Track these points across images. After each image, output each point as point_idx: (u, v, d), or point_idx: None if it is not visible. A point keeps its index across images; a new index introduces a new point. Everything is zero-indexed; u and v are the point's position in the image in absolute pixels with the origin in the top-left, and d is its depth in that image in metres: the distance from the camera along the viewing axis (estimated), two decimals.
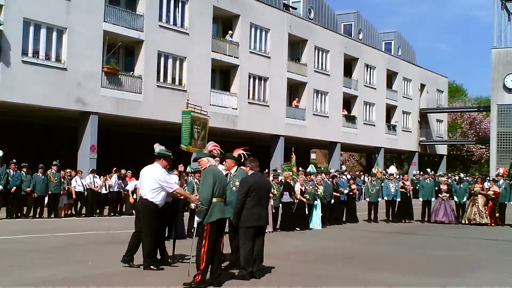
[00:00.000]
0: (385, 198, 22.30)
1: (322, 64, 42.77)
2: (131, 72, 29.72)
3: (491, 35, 50.16)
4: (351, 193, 21.81)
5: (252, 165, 10.56)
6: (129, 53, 30.64)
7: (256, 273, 9.86)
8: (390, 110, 52.28)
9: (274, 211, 17.68)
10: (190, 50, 31.96)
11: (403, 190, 22.31)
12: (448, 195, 22.47)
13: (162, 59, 30.77)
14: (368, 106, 48.35)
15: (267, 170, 24.51)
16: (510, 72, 48.13)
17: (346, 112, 45.70)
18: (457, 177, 32.71)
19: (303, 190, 18.45)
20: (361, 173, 38.73)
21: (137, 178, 12.93)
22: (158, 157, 10.74)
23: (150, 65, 29.91)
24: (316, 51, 42.11)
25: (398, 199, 22.14)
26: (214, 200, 9.22)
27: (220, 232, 9.42)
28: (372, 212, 22.08)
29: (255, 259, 9.91)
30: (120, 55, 30.52)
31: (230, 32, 35.36)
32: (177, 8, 31.61)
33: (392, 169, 29.04)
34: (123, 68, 30.25)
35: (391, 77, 52.26)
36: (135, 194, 16.87)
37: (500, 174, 23.59)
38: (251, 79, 36.32)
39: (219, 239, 9.40)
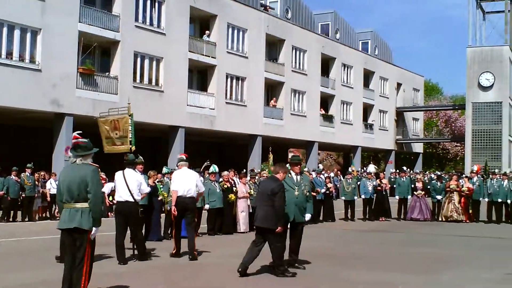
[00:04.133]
0: (362, 196, 22.42)
1: (299, 63, 42.89)
2: (107, 73, 29.57)
3: (466, 34, 50.71)
4: (328, 192, 21.89)
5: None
6: (105, 53, 30.47)
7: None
8: (367, 109, 52.57)
9: (251, 210, 17.66)
10: (167, 50, 31.87)
11: (380, 188, 22.43)
12: (423, 192, 22.67)
13: (139, 60, 30.65)
14: (345, 105, 48.57)
15: (244, 170, 24.59)
16: (485, 70, 48.65)
17: (323, 111, 45.86)
18: (433, 175, 33.05)
19: None
20: (338, 172, 38.81)
21: (112, 180, 12.92)
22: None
23: (126, 66, 29.77)
24: (294, 50, 42.22)
25: (374, 197, 22.28)
26: None
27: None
28: (349, 210, 22.18)
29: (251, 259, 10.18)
30: (95, 56, 30.30)
31: (207, 32, 35.31)
32: (153, 8, 31.50)
33: (372, 168, 29.24)
34: (99, 69, 30.08)
35: (368, 76, 52.55)
36: (111, 196, 16.74)
37: (475, 171, 23.86)
38: (229, 79, 36.31)
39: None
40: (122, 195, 11.51)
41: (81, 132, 10.31)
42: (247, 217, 17.44)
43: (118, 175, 11.72)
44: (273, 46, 41.21)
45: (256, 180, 18.67)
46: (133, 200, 11.47)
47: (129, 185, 11.44)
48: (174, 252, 12.11)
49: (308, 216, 11.00)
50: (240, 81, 37.18)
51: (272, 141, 37.87)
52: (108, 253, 11.86)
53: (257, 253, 10.25)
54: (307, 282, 9.96)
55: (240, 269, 10.07)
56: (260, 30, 38.56)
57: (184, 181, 12.07)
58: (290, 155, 13.15)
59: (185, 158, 12.70)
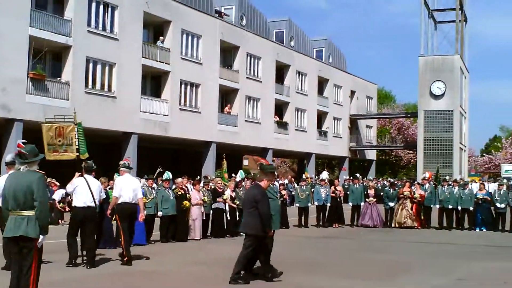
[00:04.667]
0: (316, 203, 22.45)
1: (254, 70, 42.92)
2: (58, 78, 29.04)
3: (419, 43, 51.53)
4: (282, 199, 21.82)
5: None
6: (56, 58, 29.91)
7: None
8: (321, 116, 52.90)
9: (204, 217, 17.54)
10: (120, 56, 31.49)
11: (334, 195, 22.51)
12: (375, 199, 22.85)
13: (91, 65, 30.20)
14: (299, 112, 48.78)
15: (198, 177, 24.39)
16: (437, 79, 49.43)
17: (278, 118, 45.98)
18: (386, 182, 33.40)
19: (234, 196, 18.36)
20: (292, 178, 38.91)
21: (62, 187, 12.80)
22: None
23: (78, 71, 29.30)
24: (248, 57, 42.23)
25: (328, 204, 22.32)
26: None
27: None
28: (303, 217, 22.18)
29: None
30: (47, 61, 29.72)
31: (161, 38, 35.06)
32: (106, 14, 31.10)
33: (325, 175, 29.33)
34: (50, 74, 29.52)
35: (322, 83, 52.91)
36: (61, 203, 16.42)
37: (426, 178, 24.16)
38: (183, 86, 36.09)
39: None
40: (86, 201, 11.51)
41: (25, 141, 10.13)
42: (200, 224, 17.28)
43: (80, 181, 11.70)
44: (227, 53, 41.16)
45: (208, 187, 18.52)
46: (95, 206, 11.64)
47: (93, 191, 11.57)
48: (125, 260, 11.97)
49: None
50: (194, 88, 36.98)
51: (226, 148, 37.77)
52: (56, 261, 11.60)
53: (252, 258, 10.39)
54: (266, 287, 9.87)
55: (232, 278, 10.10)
56: (214, 36, 38.46)
57: (130, 188, 12.22)
58: (263, 164, 13.25)
59: (127, 164, 12.82)
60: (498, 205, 21.01)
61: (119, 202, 12.14)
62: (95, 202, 11.61)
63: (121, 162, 13.11)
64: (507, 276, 11.58)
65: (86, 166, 11.96)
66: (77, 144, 12.16)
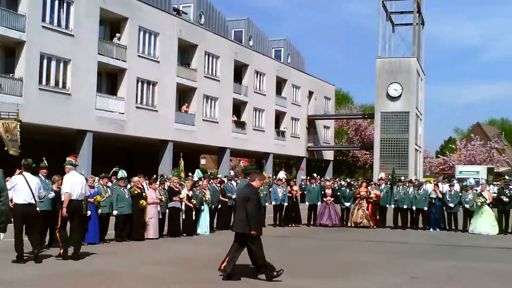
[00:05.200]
0: (273, 202, 22.43)
1: (212, 69, 42.74)
2: (11, 74, 28.39)
3: (377, 45, 52.05)
4: None
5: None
6: (10, 54, 29.29)
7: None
8: (279, 116, 53.02)
9: (161, 217, 17.36)
10: (76, 52, 30.98)
11: (290, 195, 22.52)
12: (332, 199, 22.96)
13: (45, 61, 29.64)
14: (257, 112, 48.79)
15: (155, 176, 24.13)
16: (393, 81, 50.02)
17: (235, 118, 45.91)
18: (343, 182, 33.62)
19: (190, 195, 18.21)
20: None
21: None
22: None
23: (32, 67, 28.72)
24: (207, 56, 42.04)
25: (286, 204, 22.31)
26: None
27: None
28: None
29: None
30: None
31: (118, 35, 34.64)
32: (61, 9, 30.55)
33: (282, 174, 29.32)
34: (3, 69, 28.94)
35: (280, 83, 53.02)
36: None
37: (382, 178, 24.39)
38: (139, 83, 35.70)
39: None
40: (26, 198, 11.62)
41: None
42: (157, 224, 17.09)
43: (19, 178, 11.77)
44: (185, 51, 40.87)
45: (164, 186, 18.38)
46: (34, 203, 11.76)
47: (32, 188, 11.66)
48: (61, 253, 12.21)
49: None
50: (151, 86, 36.63)
51: (183, 147, 37.59)
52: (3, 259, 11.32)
53: (236, 257, 10.43)
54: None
55: (225, 275, 10.29)
56: (172, 34, 38.16)
57: (77, 185, 12.45)
58: (242, 164, 13.07)
59: (74, 162, 12.89)
60: (450, 205, 21.31)
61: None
62: (34, 199, 11.71)
63: (67, 159, 12.98)
64: (459, 275, 11.73)
65: (26, 164, 11.98)
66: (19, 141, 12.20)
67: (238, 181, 22.97)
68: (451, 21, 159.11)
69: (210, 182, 19.92)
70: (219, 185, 20.80)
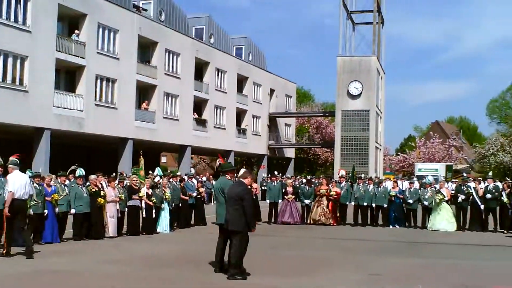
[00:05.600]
0: None
1: (173, 67, 42.44)
2: None
3: (337, 44, 52.31)
4: (200, 196, 21.61)
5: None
6: None
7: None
8: (240, 114, 52.95)
9: (120, 215, 17.14)
10: (33, 49, 30.42)
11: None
12: (293, 196, 22.98)
13: (1, 58, 29.06)
14: (218, 110, 48.64)
15: (114, 174, 23.81)
16: (354, 79, 50.36)
17: (196, 116, 45.69)
18: (304, 180, 33.67)
19: (150, 193, 18.01)
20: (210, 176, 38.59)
21: None
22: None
23: None
24: (167, 53, 41.71)
25: None
26: None
27: None
28: None
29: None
30: None
31: (76, 31, 34.09)
32: (18, 5, 29.97)
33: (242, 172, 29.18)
34: None
35: (241, 81, 52.97)
36: None
37: (343, 176, 24.51)
38: (99, 81, 35.22)
39: None
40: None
41: None
42: (116, 222, 16.86)
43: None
44: (145, 48, 40.43)
45: (123, 184, 18.15)
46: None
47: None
48: (4, 252, 12.15)
49: None
50: (110, 83, 36.17)
51: (144, 144, 37.28)
52: None
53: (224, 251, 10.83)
54: (174, 286, 9.74)
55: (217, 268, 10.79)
56: (132, 31, 37.75)
57: (23, 184, 12.45)
58: (218, 162, 13.09)
59: (18, 162, 12.77)
60: (409, 201, 21.52)
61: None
62: None
63: (10, 159, 12.87)
64: (418, 271, 11.83)
65: None
66: None
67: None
68: (410, 20, 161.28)
69: (170, 180, 19.76)
70: (179, 183, 20.63)
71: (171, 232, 18.68)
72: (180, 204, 19.87)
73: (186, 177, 22.74)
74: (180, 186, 20.30)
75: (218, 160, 12.30)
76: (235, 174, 11.57)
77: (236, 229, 10.41)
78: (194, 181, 22.85)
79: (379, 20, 53.91)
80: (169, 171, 23.53)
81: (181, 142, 43.31)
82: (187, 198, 20.37)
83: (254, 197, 22.57)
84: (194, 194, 21.03)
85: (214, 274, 10.83)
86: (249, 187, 10.91)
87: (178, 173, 24.87)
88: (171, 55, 42.15)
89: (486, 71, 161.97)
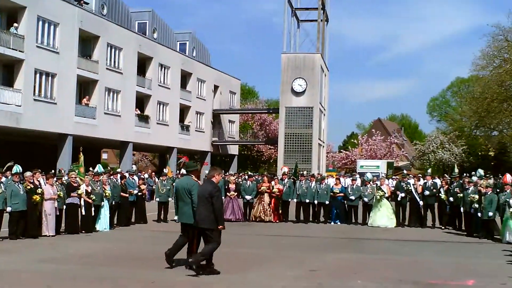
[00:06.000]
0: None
1: (114, 61, 41.79)
2: None
3: (282, 41, 52.45)
4: (141, 193, 21.32)
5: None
6: None
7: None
8: (184, 110, 52.58)
9: (58, 213, 16.76)
10: None
11: None
12: (236, 193, 22.93)
13: None
14: (161, 106, 48.17)
15: (53, 171, 23.31)
16: (298, 76, 50.59)
17: (139, 112, 45.15)
18: (247, 176, 33.67)
19: (90, 191, 17.66)
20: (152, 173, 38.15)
21: None
22: None
23: None
24: (109, 48, 41.05)
25: None
26: None
27: None
28: (162, 212, 21.81)
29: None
30: None
31: (15, 24, 33.17)
32: None
33: (184, 170, 29.07)
34: None
35: (185, 77, 52.59)
36: None
37: (285, 173, 24.58)
38: (38, 75, 34.38)
39: None
40: None
41: None
42: (54, 220, 16.47)
43: None
44: (87, 43, 39.65)
45: (62, 181, 17.75)
46: None
47: None
48: None
49: None
50: (50, 78, 35.35)
51: (84, 141, 36.58)
52: None
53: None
54: (113, 285, 9.62)
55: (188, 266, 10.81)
56: (73, 25, 36.96)
57: None
58: (181, 161, 12.96)
59: None
60: (351, 198, 21.73)
61: None
62: None
63: None
64: (357, 267, 11.97)
65: None
66: None
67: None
68: (354, 19, 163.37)
69: (110, 177, 19.42)
70: (120, 180, 20.30)
71: (111, 230, 18.40)
72: (121, 202, 19.55)
73: (127, 174, 22.36)
74: (120, 183, 19.98)
75: (182, 160, 12.41)
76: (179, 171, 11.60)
77: (208, 227, 10.58)
78: (136, 178, 22.50)
79: (324, 18, 54.33)
80: (109, 168, 23.09)
81: (123, 139, 42.72)
82: (127, 195, 20.06)
83: None
84: (135, 192, 20.73)
85: (155, 272, 10.74)
86: (218, 185, 11.02)
87: (119, 170, 24.50)
88: (113, 49, 41.49)
89: (427, 70, 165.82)
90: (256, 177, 28.79)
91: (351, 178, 25.03)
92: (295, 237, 17.66)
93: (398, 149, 72.43)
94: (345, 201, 22.11)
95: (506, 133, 57.35)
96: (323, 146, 56.42)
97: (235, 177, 29.51)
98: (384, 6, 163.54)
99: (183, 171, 24.07)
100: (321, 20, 53.14)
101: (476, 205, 17.69)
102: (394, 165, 57.81)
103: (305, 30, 56.65)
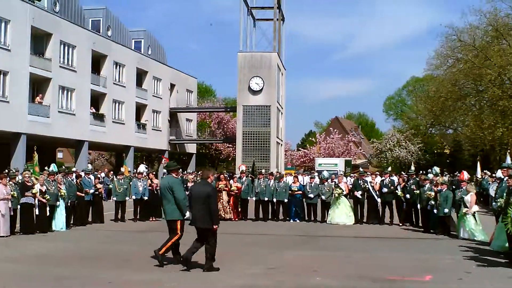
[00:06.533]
0: (134, 197, 21.86)
1: (68, 59, 41.09)
2: None
3: (238, 39, 52.33)
4: (97, 192, 20.98)
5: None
6: None
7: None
8: (140, 109, 52.08)
9: (12, 213, 16.36)
10: None
11: (151, 188, 22.09)
12: None
13: None
14: (117, 104, 47.60)
15: (6, 171, 22.73)
16: (255, 75, 50.57)
17: (94, 110, 44.51)
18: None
19: (44, 190, 17.27)
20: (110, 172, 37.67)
21: None
22: None
23: None
24: (62, 45, 40.33)
25: (146, 198, 21.83)
26: None
27: None
28: (120, 211, 21.51)
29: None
30: None
31: None
32: None
33: (142, 168, 28.75)
34: None
35: (141, 75, 52.08)
36: None
37: (244, 171, 24.50)
38: None
39: None
40: None
41: None
42: (8, 220, 16.09)
43: None
44: (39, 40, 38.85)
45: (15, 181, 17.34)
46: None
47: None
48: None
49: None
50: (2, 76, 34.59)
51: (38, 140, 35.91)
52: None
53: (196, 249, 11.07)
54: (70, 285, 9.47)
55: (181, 262, 11.13)
56: (24, 22, 36.17)
57: None
58: (164, 161, 12.78)
59: None
60: (310, 196, 21.79)
61: None
62: None
63: None
64: (316, 264, 11.97)
65: None
66: None
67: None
68: (310, 18, 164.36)
69: (65, 177, 19.05)
70: (75, 179, 19.92)
71: (67, 230, 18.09)
72: (77, 201, 19.20)
73: (83, 173, 21.98)
74: (76, 183, 19.63)
75: (163, 160, 12.75)
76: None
77: (207, 227, 10.89)
78: (92, 177, 22.11)
79: (280, 17, 54.44)
80: (64, 167, 22.64)
81: (78, 137, 42.06)
82: (83, 195, 19.71)
83: (156, 192, 22.26)
84: (91, 191, 20.39)
85: (112, 272, 10.62)
86: (213, 186, 11.43)
87: (74, 169, 24.09)
88: (66, 47, 40.77)
89: (383, 69, 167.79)
90: (215, 175, 28.59)
91: (309, 176, 25.08)
92: (255, 235, 17.60)
93: (355, 147, 73.11)
94: (304, 199, 22.17)
95: (460, 131, 58.32)
96: (282, 145, 56.55)
97: (193, 176, 29.29)
98: (341, 6, 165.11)
99: (140, 169, 23.85)
100: (277, 19, 53.24)
101: (432, 202, 17.91)
102: (352, 163, 58.33)
103: (261, 29, 56.70)
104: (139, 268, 11.24)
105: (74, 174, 20.13)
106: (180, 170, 34.11)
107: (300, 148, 75.48)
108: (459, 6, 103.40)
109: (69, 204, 18.63)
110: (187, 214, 11.56)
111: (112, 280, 10.00)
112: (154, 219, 21.85)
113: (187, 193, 12.03)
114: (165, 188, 11.54)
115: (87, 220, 20.19)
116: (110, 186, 25.56)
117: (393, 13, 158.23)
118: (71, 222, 19.05)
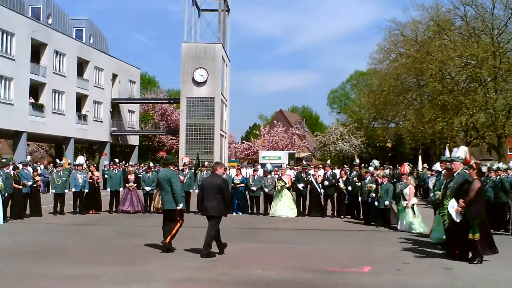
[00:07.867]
0: (73, 189, 21.40)
1: (6, 48, 39.98)
2: None
3: (182, 30, 51.96)
4: (35, 185, 20.45)
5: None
6: None
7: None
8: (81, 99, 51.09)
9: None
10: None
11: (91, 180, 21.69)
12: (135, 185, 22.50)
13: None
14: (57, 94, 46.57)
15: None
16: (199, 66, 50.36)
17: (33, 100, 43.42)
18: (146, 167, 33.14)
19: None
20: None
21: None
22: None
23: None
24: (0, 33, 39.13)
25: (86, 190, 21.42)
26: None
27: None
28: (59, 204, 21.04)
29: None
30: None
31: None
32: None
33: (81, 159, 28.23)
34: None
35: (82, 65, 51.09)
36: None
37: (186, 163, 24.31)
38: None
39: None
40: None
41: None
42: None
43: None
44: None
45: None
46: None
47: None
48: None
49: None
50: None
51: None
52: None
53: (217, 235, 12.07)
54: (5, 279, 9.31)
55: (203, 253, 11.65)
56: None
57: None
58: (160, 155, 12.60)
59: None
60: (253, 188, 21.79)
61: None
62: None
63: None
64: (257, 256, 12.04)
65: None
66: None
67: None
68: (255, 10, 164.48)
69: (2, 169, 18.48)
70: (12, 171, 19.36)
71: (4, 224, 17.59)
72: (13, 194, 18.67)
73: (20, 165, 21.38)
74: (13, 175, 19.08)
75: (160, 153, 13.05)
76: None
77: (217, 215, 11.91)
78: (30, 169, 21.54)
79: (224, 8, 54.27)
80: (1, 158, 21.98)
81: (16, 128, 40.95)
82: (21, 187, 19.18)
83: (96, 185, 21.87)
84: (29, 183, 19.86)
85: (48, 266, 10.42)
86: (225, 178, 12.48)
87: (10, 161, 23.39)
88: (4, 34, 39.66)
89: (327, 63, 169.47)
90: (157, 168, 28.31)
91: (252, 169, 25.08)
92: (196, 228, 17.38)
93: (299, 140, 73.61)
94: (247, 192, 22.15)
95: (402, 125, 59.41)
96: (225, 137, 56.51)
97: (135, 168, 28.97)
98: None
99: (79, 160, 23.35)
100: (222, 10, 53.05)
101: (373, 195, 18.15)
102: (296, 156, 58.70)
103: (206, 20, 56.37)
104: (77, 261, 11.02)
105: (11, 166, 19.52)
106: (123, 162, 33.83)
107: (244, 141, 75.60)
108: (402, 0, 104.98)
109: (5, 197, 18.11)
110: (180, 205, 12.73)
111: (48, 274, 9.76)
112: (94, 212, 21.48)
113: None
114: (163, 179, 12.70)
115: (24, 213, 19.68)
116: (49, 178, 25.00)
117: (338, 7, 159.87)
118: (8, 215, 18.54)
